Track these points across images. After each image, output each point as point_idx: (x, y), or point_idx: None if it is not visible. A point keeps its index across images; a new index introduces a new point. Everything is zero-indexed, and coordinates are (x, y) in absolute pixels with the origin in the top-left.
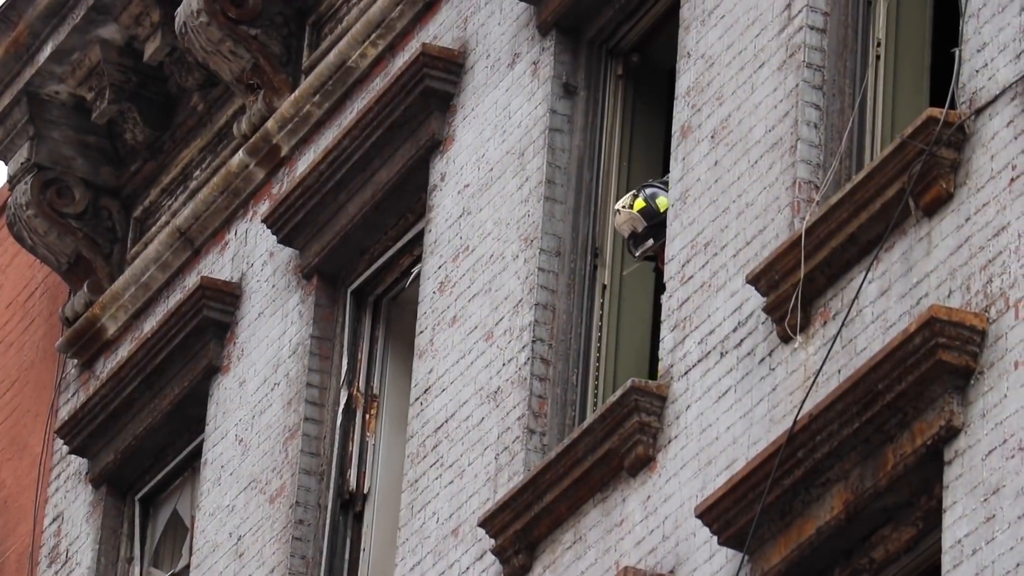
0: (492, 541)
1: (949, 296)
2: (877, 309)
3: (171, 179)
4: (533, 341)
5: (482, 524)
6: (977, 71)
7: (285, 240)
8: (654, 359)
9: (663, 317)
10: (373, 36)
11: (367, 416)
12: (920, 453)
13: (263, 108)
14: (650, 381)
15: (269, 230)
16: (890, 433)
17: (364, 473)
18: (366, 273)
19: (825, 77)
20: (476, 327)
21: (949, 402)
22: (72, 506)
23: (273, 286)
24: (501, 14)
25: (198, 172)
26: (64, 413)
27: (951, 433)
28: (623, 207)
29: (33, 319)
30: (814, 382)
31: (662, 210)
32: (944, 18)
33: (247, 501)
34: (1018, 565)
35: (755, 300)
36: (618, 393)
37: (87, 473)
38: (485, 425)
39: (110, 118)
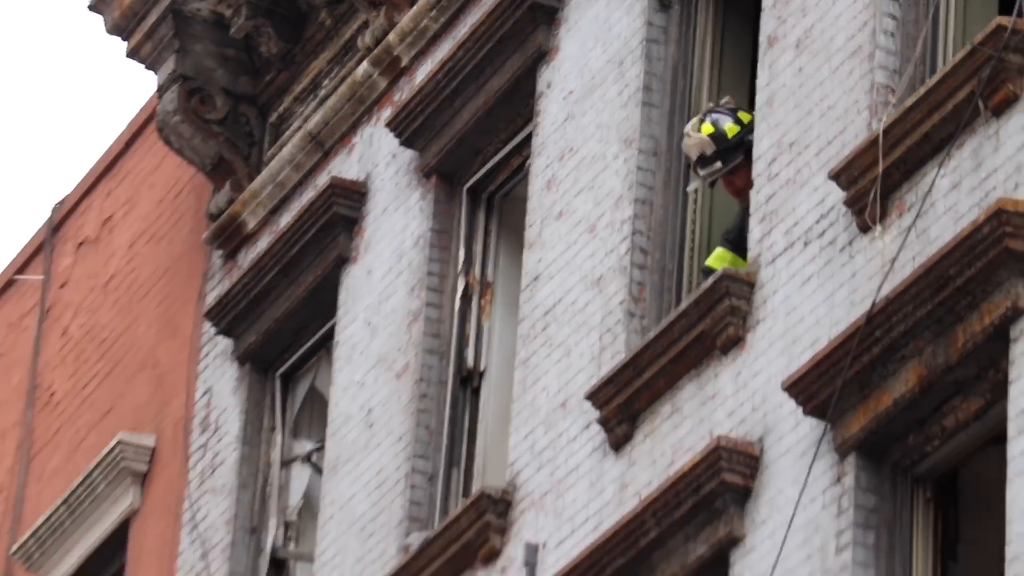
0: (597, 413)
1: (1015, 189)
2: (949, 201)
3: (302, 88)
4: (632, 233)
5: (588, 398)
6: None
7: (406, 143)
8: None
9: (752, 210)
10: None
11: (482, 301)
12: (988, 332)
13: (385, 23)
14: (740, 268)
15: (392, 134)
16: (960, 314)
17: (480, 352)
18: (480, 172)
19: None
20: (580, 221)
21: (1015, 285)
22: (220, 382)
23: (396, 184)
24: None
25: (327, 81)
26: (211, 299)
27: (1017, 313)
28: (692, 131)
29: (182, 215)
30: (890, 268)
31: (730, 135)
32: None
33: (376, 378)
34: None
35: (836, 194)
36: (711, 280)
37: (233, 352)
38: (589, 309)
39: (247, 32)
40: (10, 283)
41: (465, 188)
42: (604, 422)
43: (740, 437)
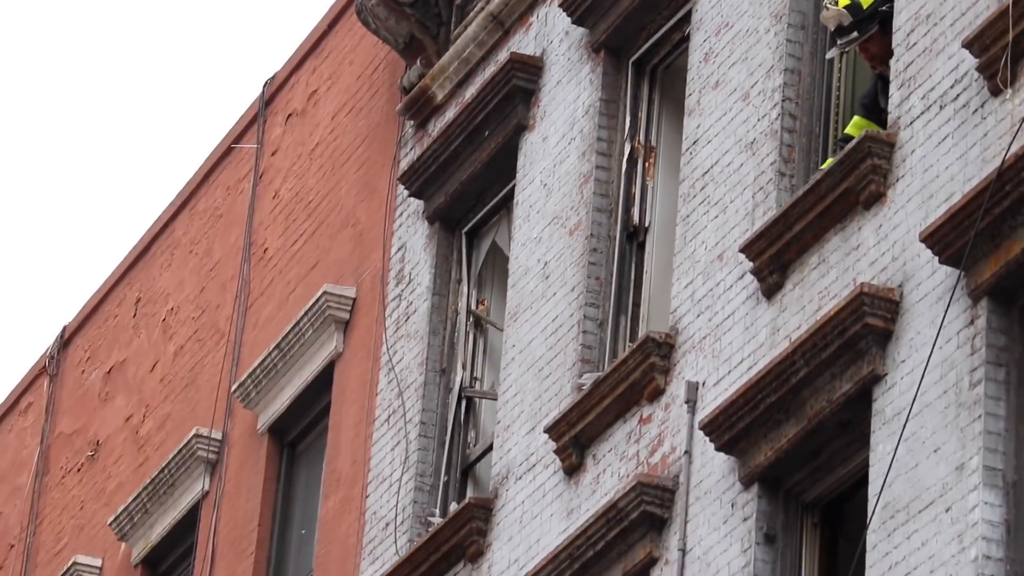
0: (751, 264)
1: None
2: None
3: None
4: (783, 100)
5: (742, 250)
6: None
7: (578, 20)
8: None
9: (892, 77)
10: None
11: (646, 164)
12: None
13: None
14: (881, 130)
15: (565, 13)
16: None
17: (645, 210)
18: (644, 46)
19: None
20: (735, 89)
21: None
22: (412, 238)
23: (568, 59)
24: None
25: None
26: (404, 164)
27: None
28: (829, 3)
29: (378, 89)
30: (1020, 127)
31: (865, 6)
32: None
33: (551, 234)
34: None
35: (969, 61)
36: (854, 141)
37: (423, 212)
38: (743, 170)
39: None
40: (228, 151)
41: (631, 61)
42: (757, 272)
43: (881, 284)
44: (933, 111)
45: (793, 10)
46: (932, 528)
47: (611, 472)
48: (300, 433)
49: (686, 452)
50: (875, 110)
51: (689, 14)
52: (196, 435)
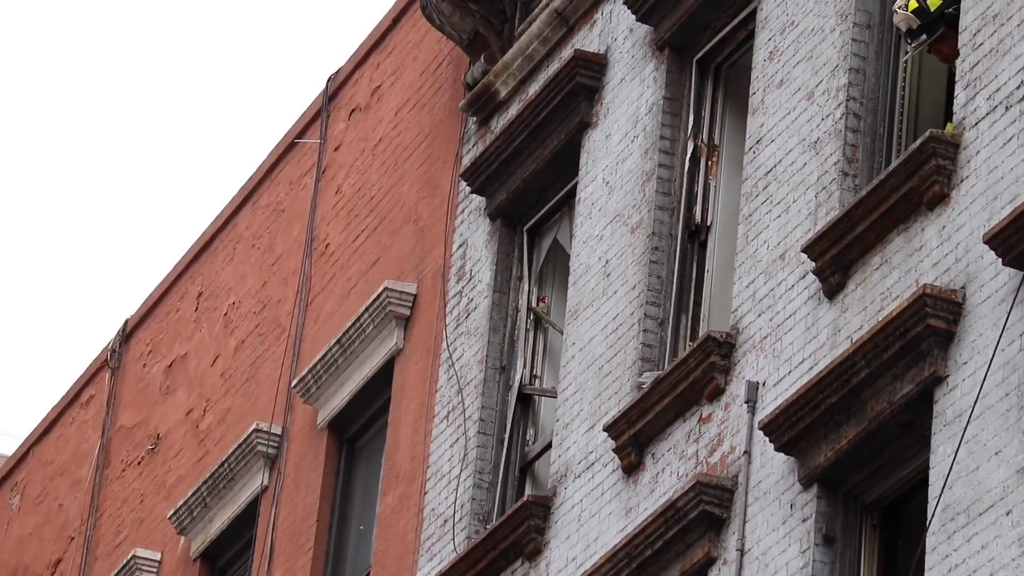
0: (813, 264)
1: None
2: None
3: None
4: (847, 99)
5: (804, 250)
6: None
7: (643, 18)
8: (948, 113)
9: (957, 78)
10: None
11: (709, 162)
12: None
13: None
14: (946, 131)
15: (629, 10)
16: None
17: (707, 209)
18: (708, 44)
19: None
20: (800, 88)
21: None
22: (474, 235)
23: (632, 56)
24: None
25: None
26: (467, 161)
27: None
28: (899, 7)
29: (441, 85)
30: None
31: (932, 9)
32: None
33: (612, 231)
34: None
35: None
36: (919, 141)
37: (485, 208)
38: (807, 169)
39: None
40: (291, 146)
41: (695, 59)
42: (819, 272)
43: (944, 285)
44: (999, 112)
45: (859, 9)
46: (992, 531)
47: (670, 471)
48: (359, 429)
49: (745, 452)
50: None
51: (754, 12)
52: (256, 430)
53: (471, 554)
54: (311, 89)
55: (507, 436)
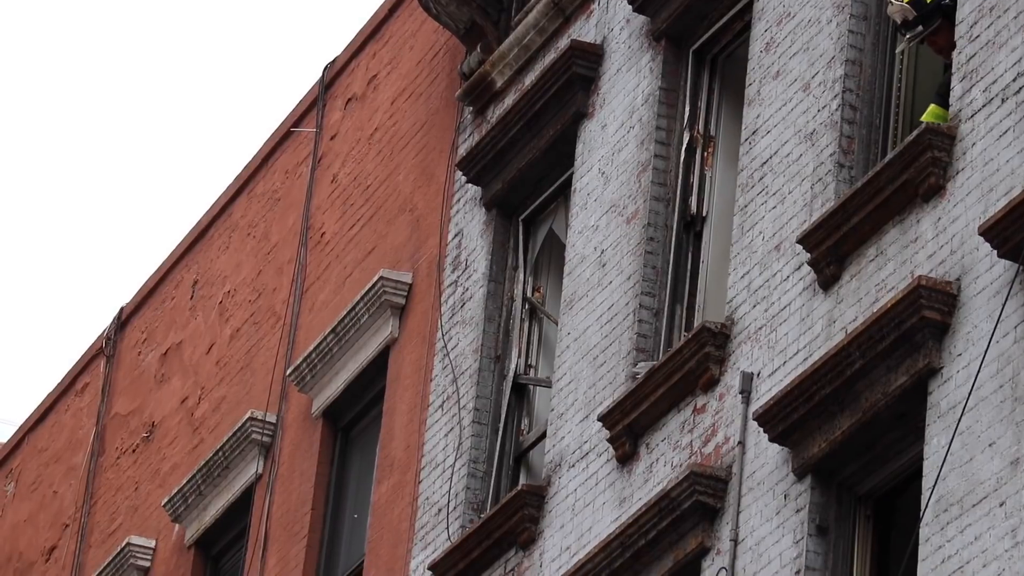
0: (808, 255)
1: None
2: None
3: None
4: (843, 91)
5: (800, 241)
6: None
7: (639, 9)
8: (944, 104)
9: (953, 70)
10: None
11: (705, 153)
12: None
13: None
14: (941, 123)
15: (626, 0)
16: None
17: (702, 199)
18: (705, 35)
19: None
20: (796, 80)
21: None
22: (470, 225)
23: (629, 47)
24: None
25: None
26: (463, 150)
27: None
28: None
29: (437, 74)
30: None
31: (928, 1)
32: None
33: (608, 222)
34: None
35: None
36: (915, 133)
37: (481, 198)
38: (803, 160)
39: None
40: (288, 135)
41: (691, 50)
42: (814, 264)
43: (939, 277)
44: (995, 104)
45: (855, 1)
46: (986, 522)
47: (664, 461)
48: (354, 418)
49: (740, 443)
50: (946, 97)
51: (751, 3)
52: (251, 418)
53: (465, 543)
54: (307, 78)
55: (501, 425)
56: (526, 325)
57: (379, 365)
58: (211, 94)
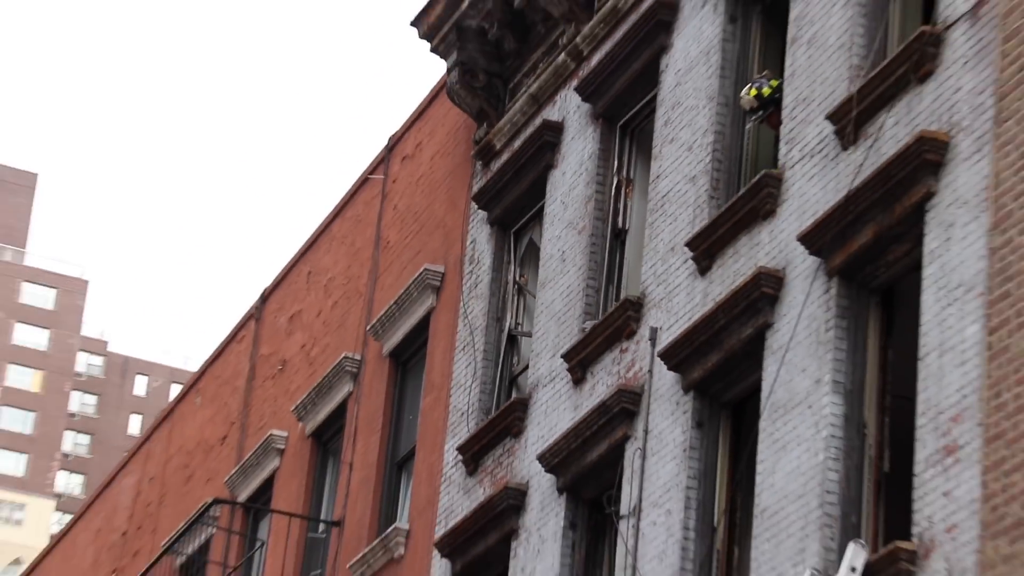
0: (691, 253)
1: None
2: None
3: (527, 68)
4: (713, 151)
5: (687, 244)
6: None
7: (586, 99)
8: (775, 160)
9: (781, 137)
10: None
11: (627, 190)
12: None
13: (573, 30)
14: (775, 170)
15: (578, 94)
16: None
17: (626, 219)
18: (626, 116)
19: None
20: (683, 144)
21: None
22: (480, 236)
23: (579, 123)
24: None
25: (540, 65)
26: (476, 189)
27: None
28: (744, 95)
29: (459, 142)
30: (859, 170)
31: (766, 95)
32: None
33: (567, 234)
34: None
35: (829, 128)
36: (756, 177)
37: (488, 219)
38: (688, 195)
39: (497, 37)
40: (366, 180)
41: (618, 125)
42: (696, 259)
43: (773, 267)
44: (806, 160)
45: (720, 94)
46: (800, 419)
47: (602, 383)
48: (409, 356)
49: (649, 371)
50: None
51: (656, 96)
52: (345, 357)
53: (479, 433)
54: (378, 143)
55: (500, 361)
56: (515, 299)
57: (424, 324)
58: (324, 151)
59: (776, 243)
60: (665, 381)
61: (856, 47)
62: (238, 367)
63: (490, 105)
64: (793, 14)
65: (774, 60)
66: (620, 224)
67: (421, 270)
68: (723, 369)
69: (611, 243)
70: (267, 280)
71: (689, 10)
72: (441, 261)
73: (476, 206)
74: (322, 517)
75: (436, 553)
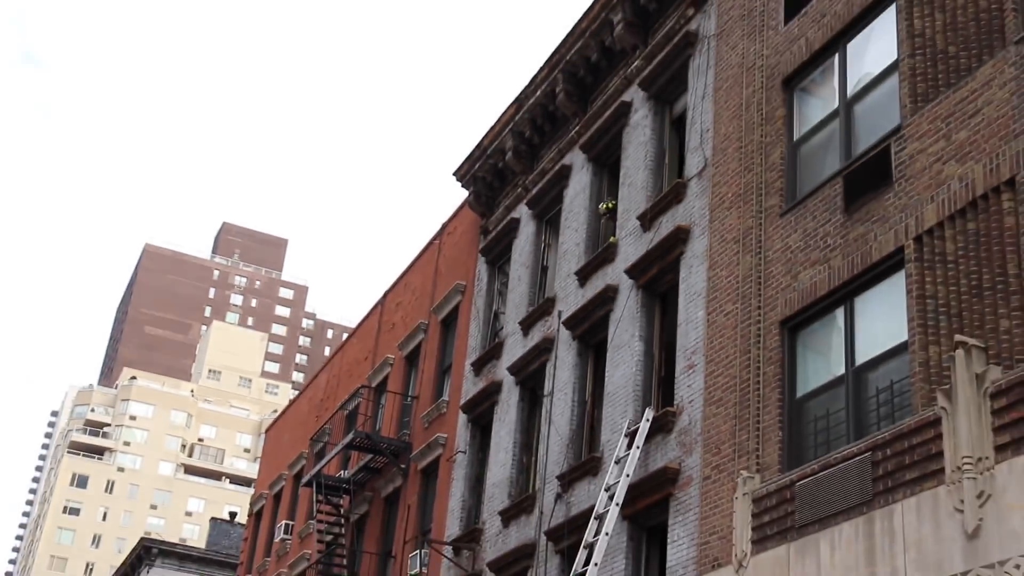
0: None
1: None
2: None
3: (508, 190)
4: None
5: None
6: None
7: (529, 205)
8: (613, 229)
9: (617, 226)
10: None
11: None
12: None
13: (537, 177)
14: (613, 240)
15: (527, 207)
16: None
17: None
18: (551, 213)
19: None
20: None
21: None
22: (481, 271)
23: (527, 223)
24: None
25: (507, 197)
26: (481, 246)
27: None
28: (601, 207)
29: (474, 226)
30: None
31: (610, 207)
32: None
33: (521, 274)
34: None
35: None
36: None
37: (486, 261)
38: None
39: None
40: (429, 245)
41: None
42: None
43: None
44: (628, 236)
45: (590, 206)
46: (627, 352)
47: (538, 335)
48: (450, 321)
49: (557, 329)
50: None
51: (561, 205)
52: (418, 325)
53: (483, 356)
54: (430, 232)
55: (491, 328)
56: (499, 299)
57: (456, 308)
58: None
59: (614, 275)
60: (564, 339)
61: (650, 188)
62: (362, 351)
63: (488, 211)
64: (621, 172)
65: (613, 191)
66: (543, 262)
67: (454, 285)
68: (594, 328)
69: (540, 272)
70: (386, 286)
71: (576, 169)
72: (464, 279)
73: (483, 258)
74: (409, 393)
75: (461, 414)
